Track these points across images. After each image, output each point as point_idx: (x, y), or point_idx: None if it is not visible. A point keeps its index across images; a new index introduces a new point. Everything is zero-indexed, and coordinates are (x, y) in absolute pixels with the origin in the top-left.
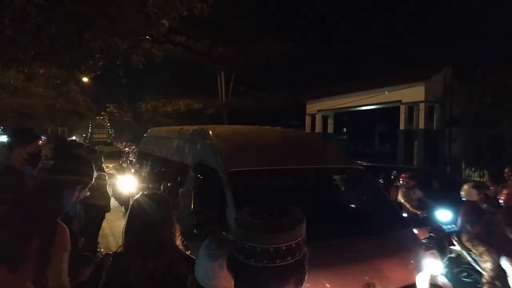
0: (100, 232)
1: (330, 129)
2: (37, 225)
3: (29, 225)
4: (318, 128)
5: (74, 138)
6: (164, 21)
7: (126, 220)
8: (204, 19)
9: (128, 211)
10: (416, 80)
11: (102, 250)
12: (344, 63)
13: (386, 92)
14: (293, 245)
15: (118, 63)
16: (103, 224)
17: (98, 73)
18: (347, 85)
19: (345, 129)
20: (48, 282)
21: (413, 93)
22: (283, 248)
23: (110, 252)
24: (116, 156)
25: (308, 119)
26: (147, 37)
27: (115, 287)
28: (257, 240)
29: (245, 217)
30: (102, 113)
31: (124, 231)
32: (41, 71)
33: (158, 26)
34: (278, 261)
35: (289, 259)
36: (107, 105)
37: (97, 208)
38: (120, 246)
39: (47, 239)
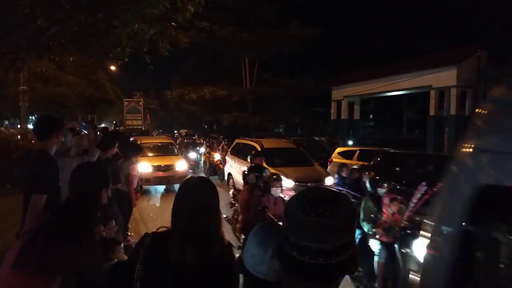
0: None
1: (357, 115)
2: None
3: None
4: (344, 115)
5: (103, 125)
6: (189, 6)
7: (174, 202)
8: (229, 5)
9: (176, 194)
10: (447, 64)
11: (132, 234)
12: (371, 47)
13: (414, 77)
14: (349, 240)
15: (145, 50)
16: (133, 209)
17: (126, 60)
18: (374, 70)
19: (371, 116)
20: None
21: (444, 78)
22: (339, 245)
23: (150, 232)
24: (165, 150)
25: (333, 106)
26: (173, 23)
27: (154, 266)
28: (313, 239)
29: (298, 214)
30: (136, 94)
31: (172, 214)
32: (71, 59)
33: (183, 12)
34: (333, 258)
35: (345, 254)
36: (134, 93)
37: (125, 195)
38: (160, 227)
39: (90, 245)
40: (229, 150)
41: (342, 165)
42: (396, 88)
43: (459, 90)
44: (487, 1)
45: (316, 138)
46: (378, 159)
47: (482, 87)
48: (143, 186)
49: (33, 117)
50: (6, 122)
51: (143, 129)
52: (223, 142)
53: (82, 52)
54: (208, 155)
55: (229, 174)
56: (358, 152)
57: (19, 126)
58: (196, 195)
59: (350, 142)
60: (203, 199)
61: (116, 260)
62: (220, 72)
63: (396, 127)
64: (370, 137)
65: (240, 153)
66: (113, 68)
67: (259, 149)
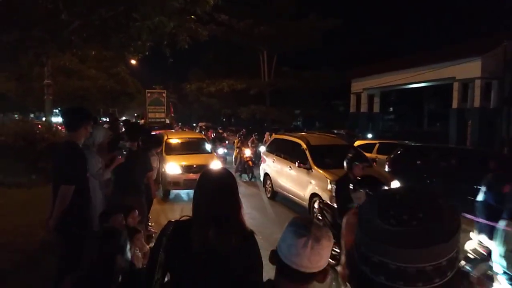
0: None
1: (376, 108)
2: None
3: None
4: (364, 108)
5: (124, 118)
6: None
7: (194, 190)
8: None
9: (196, 183)
10: (471, 54)
11: (153, 224)
12: (392, 39)
13: (436, 68)
14: (444, 263)
15: (165, 43)
16: (154, 201)
17: (146, 53)
18: (395, 62)
19: (392, 108)
20: None
21: (468, 69)
22: (429, 267)
23: (173, 220)
24: (197, 147)
25: (353, 98)
26: (192, 16)
27: (175, 253)
28: (392, 256)
29: (374, 220)
30: (155, 87)
31: (193, 202)
32: (93, 53)
33: (202, 5)
34: (420, 284)
35: (437, 281)
36: (153, 86)
37: (146, 186)
38: (183, 216)
39: None
40: (266, 147)
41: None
42: (417, 80)
43: (483, 81)
44: None
45: (335, 131)
46: (398, 152)
47: (509, 79)
48: (171, 191)
49: (57, 110)
50: (32, 116)
51: (166, 122)
52: (253, 136)
53: (103, 45)
54: (239, 150)
55: (266, 174)
56: (377, 145)
57: (43, 119)
58: (215, 182)
59: (369, 135)
60: (221, 186)
61: (137, 248)
62: (239, 65)
63: (417, 120)
64: (390, 130)
65: (279, 150)
66: (133, 61)
67: (304, 146)
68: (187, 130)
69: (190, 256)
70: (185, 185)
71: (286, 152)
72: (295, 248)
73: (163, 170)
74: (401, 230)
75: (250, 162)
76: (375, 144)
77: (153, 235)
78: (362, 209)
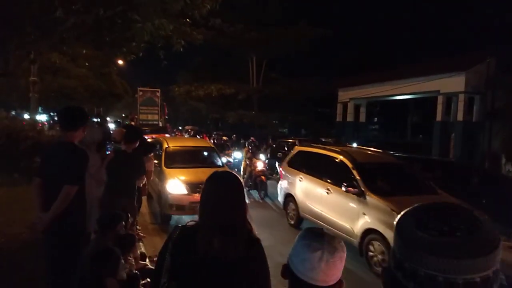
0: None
1: (362, 118)
2: None
3: None
4: (350, 117)
5: (109, 119)
6: (206, 3)
7: (200, 195)
8: (239, 3)
9: (203, 188)
10: (456, 69)
11: (139, 227)
12: (380, 51)
13: (422, 81)
14: (491, 274)
15: (159, 45)
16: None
17: (141, 55)
18: (382, 73)
19: (376, 119)
20: None
21: (453, 83)
22: (477, 280)
23: (180, 225)
24: (204, 159)
25: (339, 107)
26: (187, 20)
27: (181, 258)
28: (436, 267)
29: (414, 230)
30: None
31: (199, 207)
32: (84, 51)
33: (200, 9)
34: None
35: None
36: (139, 88)
37: (137, 189)
38: (189, 221)
39: None
40: (286, 161)
41: None
42: (403, 92)
43: (467, 96)
44: (498, 8)
45: (323, 140)
46: None
47: (491, 94)
48: (172, 216)
49: (40, 108)
50: (13, 113)
51: (160, 125)
52: (249, 146)
53: (95, 45)
54: (250, 161)
55: (289, 195)
56: None
57: (25, 116)
58: (221, 188)
59: (355, 145)
60: (228, 192)
61: (132, 257)
62: (228, 70)
63: (400, 131)
64: (374, 139)
65: (308, 167)
66: (120, 62)
67: (349, 164)
68: (178, 134)
69: (195, 262)
70: (192, 209)
71: (319, 169)
72: (310, 262)
73: (162, 188)
74: (448, 240)
75: (263, 177)
76: None
77: (142, 239)
78: (400, 221)
